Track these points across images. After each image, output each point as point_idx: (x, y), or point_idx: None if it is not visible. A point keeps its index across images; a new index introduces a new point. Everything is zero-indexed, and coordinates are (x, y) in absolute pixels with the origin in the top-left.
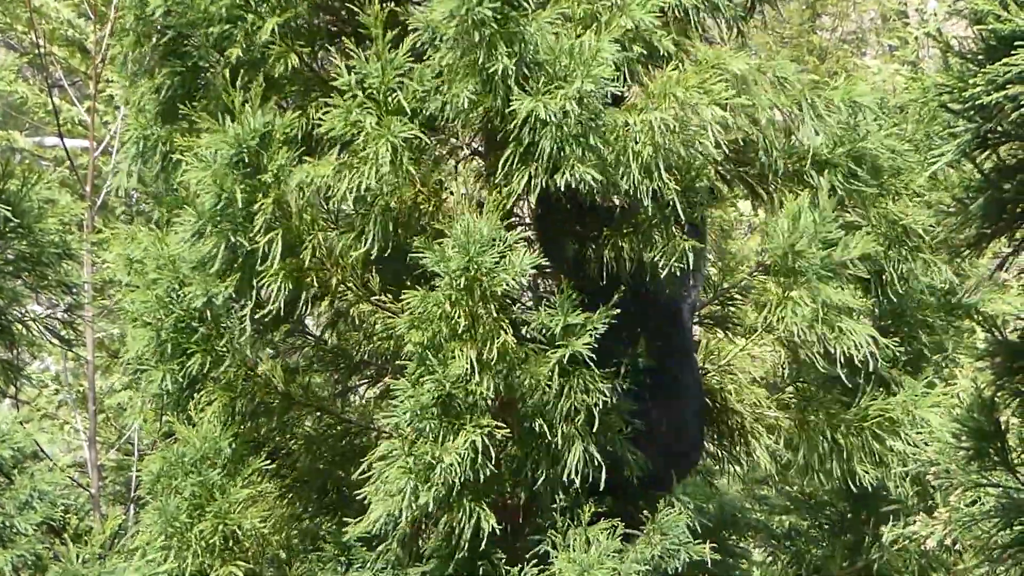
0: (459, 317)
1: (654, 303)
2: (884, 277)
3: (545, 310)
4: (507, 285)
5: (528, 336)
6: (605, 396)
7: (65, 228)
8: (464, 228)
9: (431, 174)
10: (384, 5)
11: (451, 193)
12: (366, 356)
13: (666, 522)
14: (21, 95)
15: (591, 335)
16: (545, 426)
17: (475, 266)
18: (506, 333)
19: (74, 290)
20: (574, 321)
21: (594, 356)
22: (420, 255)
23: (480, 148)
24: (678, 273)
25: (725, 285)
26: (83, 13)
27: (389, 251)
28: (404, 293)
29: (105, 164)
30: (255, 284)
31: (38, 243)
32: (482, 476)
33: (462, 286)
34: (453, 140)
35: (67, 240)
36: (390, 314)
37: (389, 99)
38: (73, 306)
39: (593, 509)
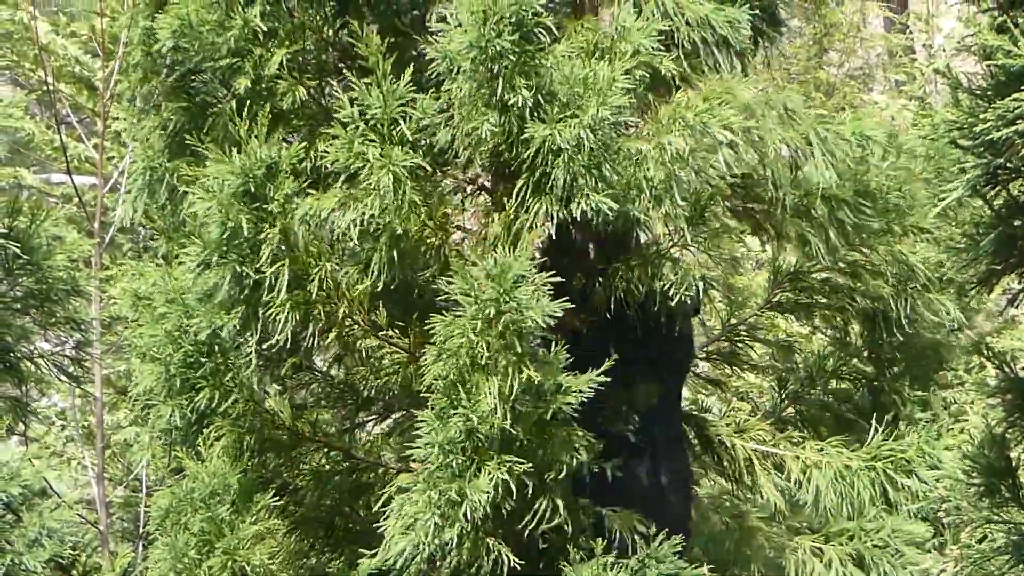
0: (481, 348)
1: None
2: (890, 314)
3: (535, 366)
4: (534, 323)
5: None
6: (581, 458)
7: (73, 265)
8: (498, 262)
9: (438, 207)
10: (385, 38)
11: (458, 228)
12: (374, 392)
13: (661, 552)
14: (28, 132)
15: (578, 396)
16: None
17: (506, 299)
18: (528, 368)
19: (82, 327)
20: (565, 383)
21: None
22: (445, 284)
23: (487, 183)
24: (688, 303)
25: (733, 321)
26: (91, 50)
27: (395, 284)
28: (420, 324)
29: (113, 201)
30: (261, 315)
31: (46, 280)
32: (504, 513)
33: (491, 316)
34: (459, 174)
35: (75, 277)
36: (397, 349)
37: (391, 130)
38: (81, 343)
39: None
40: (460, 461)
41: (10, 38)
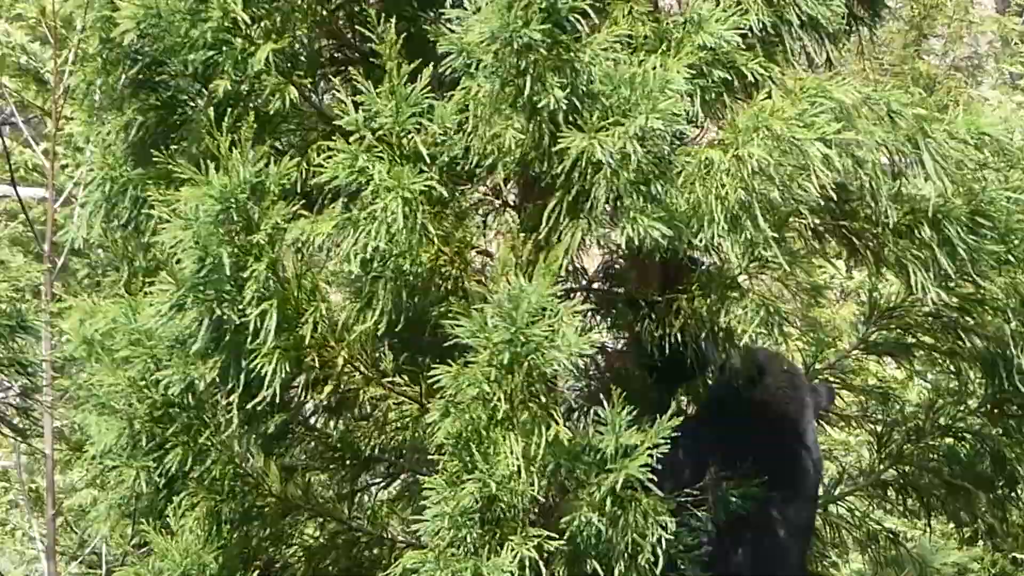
0: (499, 400)
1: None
2: (1013, 359)
3: (593, 426)
4: (559, 366)
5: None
6: (665, 532)
7: (19, 295)
8: (510, 294)
9: (454, 231)
10: (399, 26)
11: (480, 253)
12: (377, 451)
13: None
14: None
15: (649, 455)
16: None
17: (521, 339)
18: (556, 423)
19: (30, 370)
20: (630, 441)
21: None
22: (451, 325)
23: (513, 199)
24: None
25: (818, 365)
26: (40, 37)
27: (403, 324)
28: (431, 370)
29: (66, 217)
30: (244, 365)
31: None
32: None
33: (505, 362)
34: (481, 189)
35: (21, 310)
36: (406, 400)
37: (404, 142)
38: (29, 389)
39: None
40: (476, 535)
41: None
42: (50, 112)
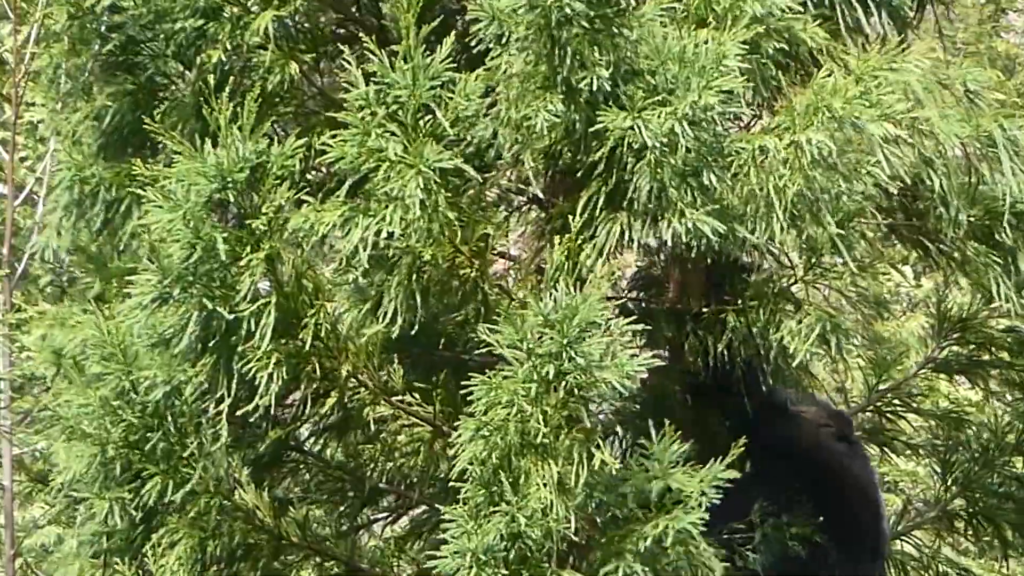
0: (537, 421)
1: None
2: None
3: (635, 459)
4: (607, 387)
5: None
6: None
7: None
8: (559, 303)
9: (475, 225)
10: None
11: (500, 255)
12: (385, 479)
13: None
14: None
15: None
16: None
17: (570, 355)
18: (600, 450)
19: None
20: (680, 486)
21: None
22: (486, 332)
23: (541, 193)
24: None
25: (881, 386)
26: None
27: (416, 331)
28: (447, 387)
29: (28, 217)
30: (236, 371)
31: None
32: None
33: (550, 376)
34: (504, 181)
35: None
36: (418, 421)
37: (420, 120)
38: None
39: None
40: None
41: None
42: (9, 97)
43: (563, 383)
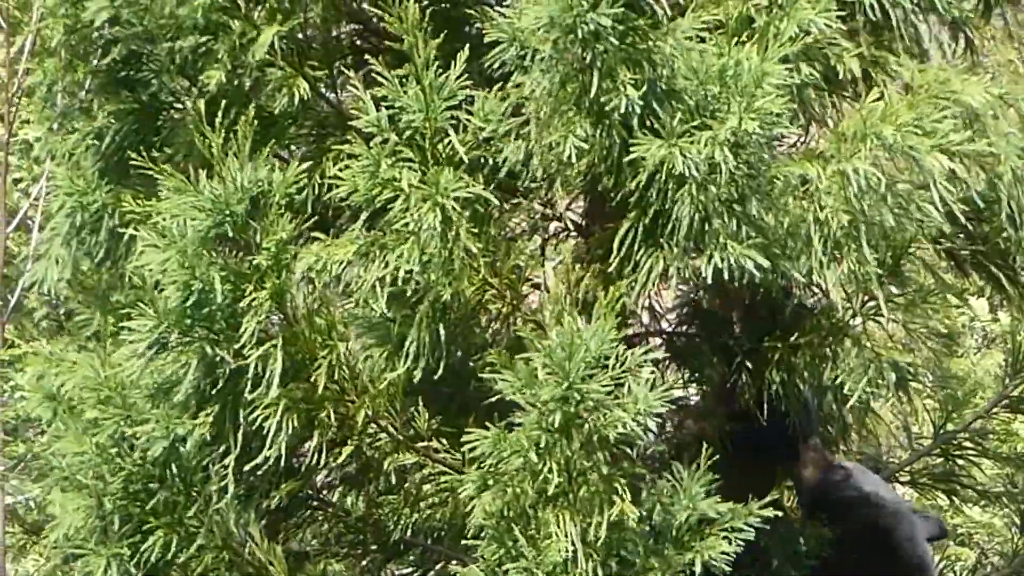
0: (551, 472)
1: None
2: None
3: (667, 485)
4: (625, 428)
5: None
6: None
7: None
8: (563, 340)
9: (506, 257)
10: (433, 7)
11: (536, 287)
12: (408, 532)
13: None
14: None
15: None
16: None
17: (576, 397)
18: (622, 499)
19: None
20: (706, 512)
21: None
22: (493, 378)
23: (577, 221)
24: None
25: (950, 427)
26: None
27: (442, 374)
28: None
29: (22, 244)
30: (243, 421)
31: None
32: None
33: (557, 426)
34: (538, 207)
35: None
36: (445, 469)
37: (437, 145)
38: None
39: None
40: None
41: None
42: (1, 115)
43: (581, 428)
